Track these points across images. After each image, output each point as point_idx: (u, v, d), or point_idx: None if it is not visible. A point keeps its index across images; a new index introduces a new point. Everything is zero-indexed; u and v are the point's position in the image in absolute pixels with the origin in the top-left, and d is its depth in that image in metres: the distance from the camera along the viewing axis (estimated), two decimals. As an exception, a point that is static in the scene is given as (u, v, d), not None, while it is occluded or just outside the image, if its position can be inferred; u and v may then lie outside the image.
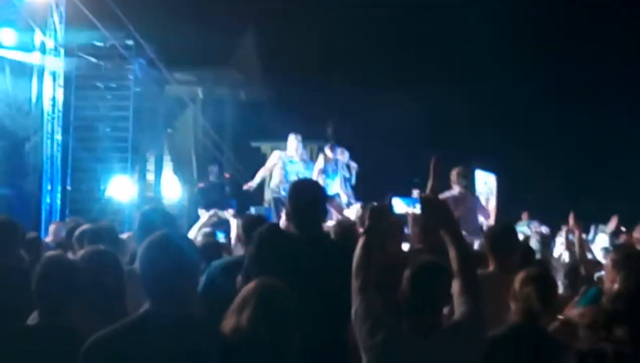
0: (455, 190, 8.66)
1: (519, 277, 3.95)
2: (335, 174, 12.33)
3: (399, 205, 3.73)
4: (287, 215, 4.16)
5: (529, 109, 20.29)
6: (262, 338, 3.03)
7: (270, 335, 3.04)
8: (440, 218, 3.59)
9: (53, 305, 3.51)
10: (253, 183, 12.88)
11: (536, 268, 4.04)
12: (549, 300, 3.88)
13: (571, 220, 6.82)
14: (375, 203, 3.75)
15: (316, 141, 15.61)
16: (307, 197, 4.14)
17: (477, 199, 9.81)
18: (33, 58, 12.88)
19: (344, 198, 12.45)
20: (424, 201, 3.60)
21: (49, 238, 8.62)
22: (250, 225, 5.17)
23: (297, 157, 12.37)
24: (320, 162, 12.34)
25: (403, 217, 5.49)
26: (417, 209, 3.65)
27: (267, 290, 3.17)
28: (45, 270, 3.61)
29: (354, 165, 12.68)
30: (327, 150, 12.43)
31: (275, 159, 12.56)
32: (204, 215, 7.77)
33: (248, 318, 3.07)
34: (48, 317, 3.49)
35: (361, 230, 4.64)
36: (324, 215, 4.31)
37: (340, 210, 11.57)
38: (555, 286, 4.04)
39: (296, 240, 4.02)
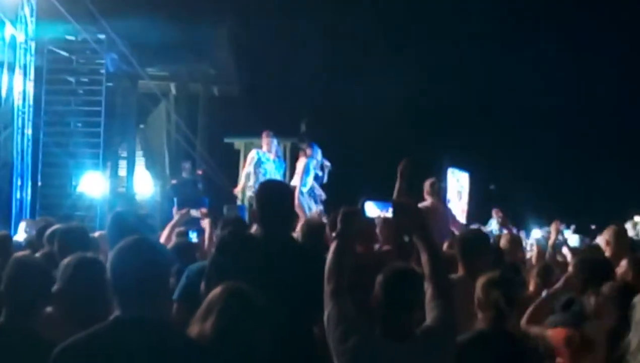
0: (428, 201, 8.75)
1: (481, 282, 3.95)
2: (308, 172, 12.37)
3: (372, 209, 3.73)
4: (254, 217, 4.13)
5: (503, 107, 20.43)
6: (228, 345, 3.00)
7: (237, 341, 3.01)
8: (413, 223, 3.60)
9: (21, 306, 3.46)
10: (239, 187, 12.88)
11: (497, 272, 4.07)
12: (514, 303, 3.91)
13: (554, 226, 6.99)
14: (346, 207, 3.73)
15: (289, 138, 15.62)
16: (273, 199, 4.08)
17: (449, 211, 9.91)
18: (2, 50, 12.74)
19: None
20: (396, 205, 3.61)
21: (18, 236, 8.53)
22: (225, 227, 5.16)
23: (271, 155, 12.38)
24: (301, 162, 12.36)
25: (373, 219, 5.51)
26: (389, 213, 3.65)
27: (233, 295, 3.11)
28: (15, 271, 3.57)
29: (327, 163, 12.69)
30: (306, 149, 12.45)
31: (253, 156, 12.56)
32: (177, 213, 7.71)
33: (213, 324, 3.02)
34: (14, 318, 3.44)
35: (333, 234, 4.66)
36: (291, 216, 4.27)
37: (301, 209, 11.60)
38: (519, 287, 4.07)
39: (260, 244, 3.97)
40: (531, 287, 5.68)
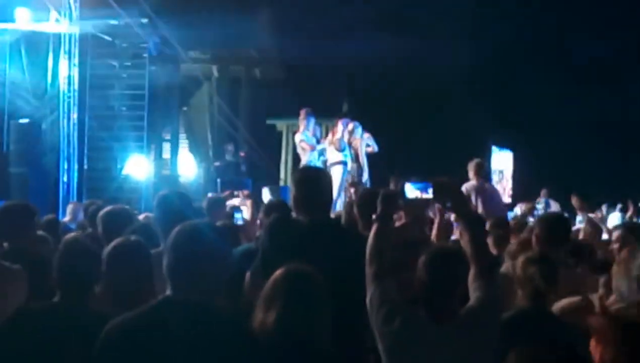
0: (475, 181, 8.69)
1: (520, 261, 3.94)
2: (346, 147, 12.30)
3: (411, 191, 3.67)
4: (294, 202, 4.13)
5: (547, 85, 20.13)
6: (294, 331, 2.99)
7: (304, 326, 3.00)
8: (454, 203, 3.56)
9: (73, 286, 3.52)
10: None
11: (535, 251, 4.03)
12: (553, 280, 3.87)
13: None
14: (386, 189, 3.71)
15: (331, 119, 15.59)
16: (311, 184, 4.11)
17: (495, 191, 9.82)
18: (48, 37, 12.90)
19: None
20: (436, 186, 3.57)
21: (66, 219, 8.67)
22: (270, 211, 5.18)
23: (309, 133, 12.27)
24: (337, 136, 12.29)
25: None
26: (429, 194, 3.60)
27: (297, 277, 3.09)
28: (65, 252, 3.63)
29: (370, 148, 12.55)
30: (338, 126, 12.38)
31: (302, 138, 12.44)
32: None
33: (279, 309, 2.99)
34: (68, 297, 3.50)
35: (359, 214, 4.64)
36: (329, 201, 4.28)
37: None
38: (557, 267, 4.02)
39: (306, 228, 3.99)
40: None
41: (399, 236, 4.47)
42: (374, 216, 3.61)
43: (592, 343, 3.75)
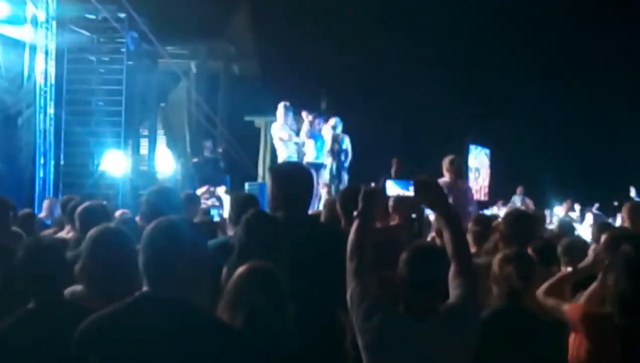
0: (447, 177, 8.75)
1: (497, 258, 3.96)
2: (322, 141, 12.36)
3: (392, 188, 3.70)
4: (272, 198, 4.12)
5: (523, 83, 20.26)
6: (256, 326, 3.04)
7: (264, 323, 3.06)
8: (435, 201, 3.58)
9: (41, 290, 3.49)
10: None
11: (513, 249, 4.05)
12: (529, 278, 3.90)
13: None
14: (367, 186, 3.72)
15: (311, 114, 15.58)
16: (290, 180, 4.10)
17: (468, 188, 9.89)
18: (24, 31, 12.78)
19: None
20: (417, 183, 3.59)
21: (42, 214, 8.61)
22: (239, 206, 5.14)
23: (283, 133, 12.32)
24: (305, 126, 12.37)
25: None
26: (411, 192, 3.62)
27: (253, 274, 3.19)
28: (26, 256, 3.59)
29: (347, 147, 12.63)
30: (306, 116, 12.46)
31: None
32: (198, 191, 7.76)
33: (236, 303, 3.10)
34: (42, 297, 3.47)
35: (342, 211, 4.65)
36: (308, 197, 4.27)
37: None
38: (534, 264, 4.05)
39: (283, 225, 3.97)
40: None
41: (387, 235, 4.49)
42: (355, 213, 3.61)
43: (572, 335, 3.80)
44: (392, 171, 13.06)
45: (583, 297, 4.03)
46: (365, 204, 3.58)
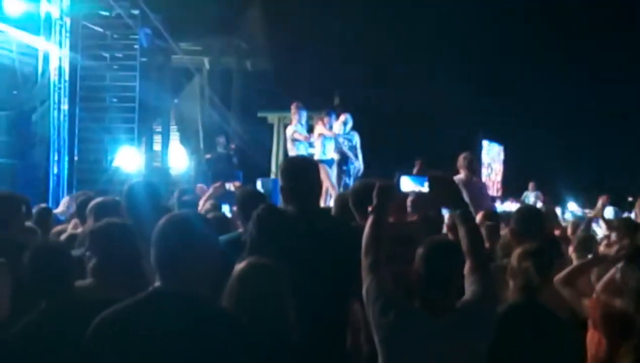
0: (462, 174, 8.78)
1: (516, 252, 3.95)
2: (328, 139, 12.35)
3: (407, 184, 3.68)
4: (283, 193, 4.12)
5: (537, 79, 20.18)
6: (259, 319, 3.07)
7: (256, 317, 3.08)
8: (450, 197, 3.57)
9: (48, 291, 3.51)
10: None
11: (533, 243, 4.05)
12: (547, 274, 3.89)
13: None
14: (382, 182, 3.71)
15: (323, 111, 15.59)
16: (299, 175, 4.09)
17: (483, 185, 9.91)
18: (39, 28, 12.83)
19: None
20: (432, 179, 3.58)
21: (58, 210, 8.65)
22: (244, 201, 5.15)
23: (298, 135, 12.32)
24: (319, 128, 12.37)
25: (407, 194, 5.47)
26: (425, 188, 3.61)
27: (249, 271, 3.23)
28: (35, 258, 3.61)
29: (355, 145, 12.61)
30: (324, 118, 12.44)
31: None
32: (212, 187, 7.77)
33: (235, 299, 3.15)
34: (54, 297, 3.49)
35: (355, 207, 4.64)
36: (318, 190, 4.27)
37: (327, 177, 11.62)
38: (552, 260, 4.04)
39: (294, 219, 3.97)
40: (574, 262, 5.62)
41: (404, 230, 4.47)
42: (369, 208, 3.61)
43: (590, 333, 3.79)
44: (415, 171, 13.03)
45: (599, 286, 4.01)
46: (380, 200, 3.58)
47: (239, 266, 3.29)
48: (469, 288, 3.39)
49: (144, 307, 2.86)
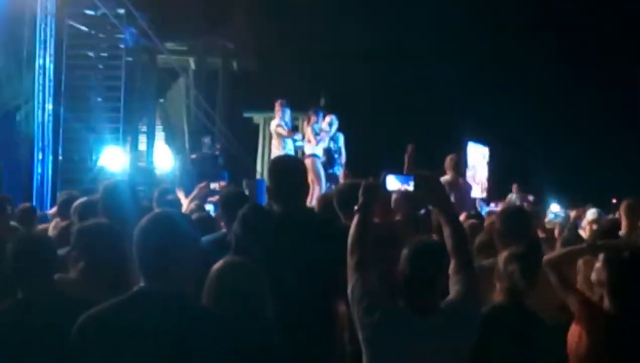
0: (449, 175, 8.85)
1: (503, 255, 3.96)
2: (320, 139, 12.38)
3: (393, 182, 3.68)
4: (269, 192, 4.13)
5: (523, 80, 20.28)
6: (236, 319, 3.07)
7: (235, 315, 3.09)
8: (435, 196, 3.58)
9: (33, 281, 3.49)
10: None
11: (520, 246, 4.06)
12: (532, 278, 3.90)
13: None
14: (368, 180, 3.71)
15: (310, 110, 15.60)
16: (286, 172, 4.10)
17: (469, 187, 9.98)
18: (24, 26, 12.77)
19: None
20: (417, 178, 3.59)
21: (51, 211, 8.61)
22: (227, 202, 5.17)
23: (282, 130, 12.34)
24: (308, 131, 12.37)
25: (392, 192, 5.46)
26: (410, 186, 3.62)
27: (225, 270, 3.24)
28: (16, 249, 3.59)
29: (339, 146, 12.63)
30: (311, 116, 12.45)
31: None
32: (197, 187, 7.76)
33: (213, 297, 3.16)
34: (32, 293, 3.47)
35: (339, 206, 4.65)
36: (305, 190, 4.27)
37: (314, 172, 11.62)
38: (539, 264, 4.05)
39: (280, 218, 3.98)
40: None
41: (388, 230, 4.48)
42: (355, 207, 3.61)
43: (572, 327, 3.82)
44: (407, 155, 12.92)
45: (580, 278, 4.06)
46: (365, 199, 3.58)
47: (217, 264, 3.29)
48: (453, 287, 3.40)
49: (130, 307, 2.86)
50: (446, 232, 3.47)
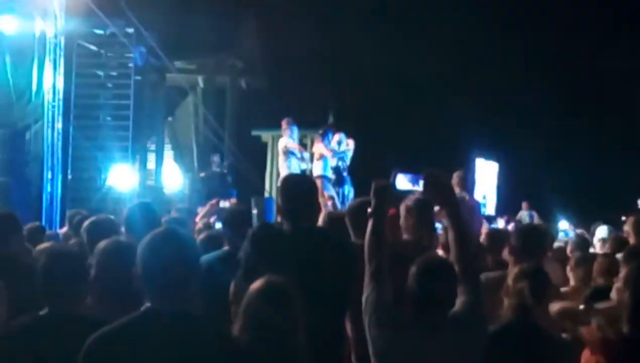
0: (456, 191, 8.80)
1: (512, 272, 3.94)
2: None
3: (402, 182, 3.67)
4: (279, 210, 4.13)
5: (531, 97, 20.25)
6: (268, 339, 3.02)
7: (277, 336, 3.03)
8: (443, 197, 3.54)
9: (61, 293, 3.44)
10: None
11: (530, 264, 4.03)
12: (541, 295, 3.87)
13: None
14: (377, 181, 3.63)
15: (317, 129, 15.61)
16: (298, 192, 4.09)
17: (476, 203, 9.93)
18: (33, 45, 12.83)
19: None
20: (427, 177, 3.55)
21: (63, 230, 8.62)
22: (231, 219, 5.19)
23: (292, 144, 12.39)
24: (320, 147, 12.39)
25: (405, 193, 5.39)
26: (420, 186, 3.59)
27: (272, 290, 3.13)
28: (49, 259, 3.56)
29: (349, 143, 12.67)
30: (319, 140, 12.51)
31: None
32: (207, 205, 7.78)
33: (245, 323, 3.08)
34: (57, 305, 3.41)
35: (352, 226, 4.60)
36: (315, 208, 4.26)
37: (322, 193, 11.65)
38: (549, 281, 4.02)
39: (289, 236, 3.97)
40: (572, 282, 5.59)
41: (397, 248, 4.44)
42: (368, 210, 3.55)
43: (586, 354, 3.77)
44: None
45: (598, 314, 3.99)
46: (378, 201, 3.52)
47: (254, 285, 3.17)
48: (459, 298, 3.37)
49: (137, 327, 2.83)
50: (451, 237, 3.44)
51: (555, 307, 4.14)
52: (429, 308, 3.33)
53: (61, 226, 9.98)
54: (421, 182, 3.58)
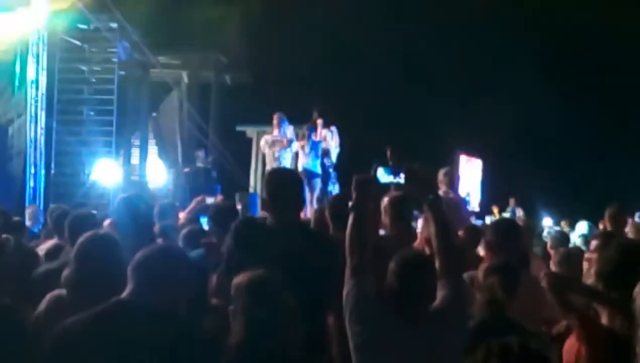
0: (442, 189, 8.82)
1: (482, 267, 3.95)
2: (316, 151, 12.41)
3: (383, 175, 3.67)
4: (263, 203, 4.12)
5: (516, 92, 20.32)
6: (260, 339, 3.03)
7: (269, 333, 3.04)
8: (425, 190, 3.55)
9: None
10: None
11: (500, 259, 4.04)
12: (512, 289, 3.89)
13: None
14: (359, 175, 3.62)
15: (302, 125, 15.59)
16: (282, 185, 4.09)
17: (463, 201, 9.95)
18: (16, 40, 12.76)
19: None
20: (409, 172, 3.57)
21: (28, 223, 8.58)
22: (217, 215, 5.19)
23: (279, 138, 12.36)
24: (302, 142, 12.39)
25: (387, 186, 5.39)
26: (401, 179, 3.61)
27: (255, 284, 3.14)
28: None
29: (334, 143, 12.68)
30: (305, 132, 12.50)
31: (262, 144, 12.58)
32: (193, 201, 7.76)
33: (245, 318, 3.07)
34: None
35: (331, 219, 4.60)
36: (300, 202, 4.26)
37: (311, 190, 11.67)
38: (519, 276, 4.03)
39: (272, 230, 3.97)
40: None
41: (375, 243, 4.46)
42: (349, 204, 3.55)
43: (569, 342, 3.79)
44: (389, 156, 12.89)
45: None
46: (359, 194, 3.50)
47: (238, 279, 3.17)
48: (440, 292, 3.38)
49: (106, 319, 2.86)
50: (432, 230, 3.45)
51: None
52: (409, 303, 3.33)
53: (44, 220, 9.93)
54: (402, 176, 3.59)
